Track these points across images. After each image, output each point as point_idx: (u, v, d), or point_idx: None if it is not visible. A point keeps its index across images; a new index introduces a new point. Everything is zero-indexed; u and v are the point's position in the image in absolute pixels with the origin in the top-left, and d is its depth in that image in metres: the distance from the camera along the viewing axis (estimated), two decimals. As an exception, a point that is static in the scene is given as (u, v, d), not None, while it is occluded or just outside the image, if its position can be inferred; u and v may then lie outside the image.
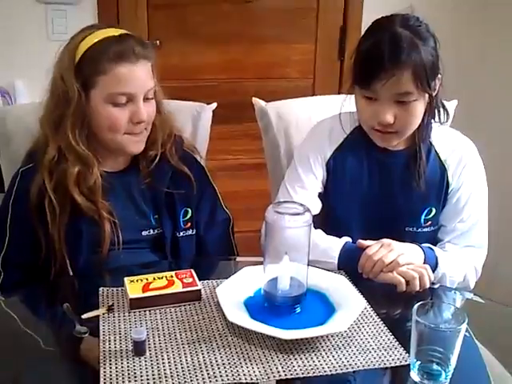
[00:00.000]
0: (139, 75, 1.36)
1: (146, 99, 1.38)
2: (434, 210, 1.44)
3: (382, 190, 1.45)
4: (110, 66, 1.32)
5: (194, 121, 1.69)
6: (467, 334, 1.08)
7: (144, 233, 1.46)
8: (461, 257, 1.41)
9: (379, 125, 1.35)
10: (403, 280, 1.24)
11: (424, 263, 1.30)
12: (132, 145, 1.41)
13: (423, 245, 1.35)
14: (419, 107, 1.34)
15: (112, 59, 1.32)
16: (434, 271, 1.31)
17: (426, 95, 1.34)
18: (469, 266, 1.42)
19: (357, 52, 1.35)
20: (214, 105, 1.71)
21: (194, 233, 1.51)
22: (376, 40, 1.29)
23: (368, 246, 1.30)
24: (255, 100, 1.73)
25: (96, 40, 1.34)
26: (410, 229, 1.45)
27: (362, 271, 1.29)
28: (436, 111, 1.41)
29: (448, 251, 1.41)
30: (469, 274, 1.41)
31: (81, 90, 1.33)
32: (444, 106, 1.43)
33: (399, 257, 1.26)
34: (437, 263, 1.33)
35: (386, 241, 1.30)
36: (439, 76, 1.35)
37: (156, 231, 1.47)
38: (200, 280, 1.23)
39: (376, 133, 1.38)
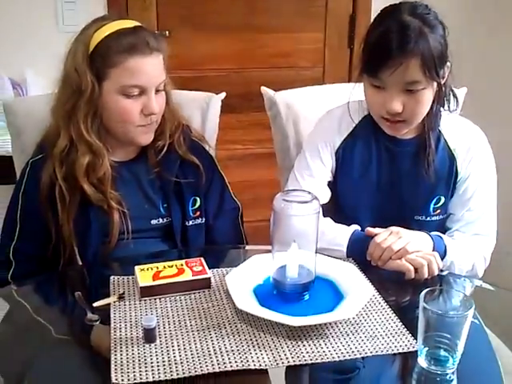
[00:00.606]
0: (152, 68, 1.37)
1: (157, 91, 1.39)
2: (442, 199, 1.44)
3: (390, 179, 1.45)
4: (122, 58, 1.33)
5: (203, 111, 1.69)
6: (476, 320, 1.08)
7: (153, 221, 1.47)
8: (469, 245, 1.41)
9: (388, 113, 1.35)
10: (412, 267, 1.25)
11: (433, 251, 1.30)
12: (141, 136, 1.42)
13: (432, 233, 1.35)
14: (427, 96, 1.33)
15: (125, 51, 1.33)
16: (442, 259, 1.31)
17: (435, 83, 1.33)
18: (477, 254, 1.42)
19: (365, 41, 1.34)
20: (223, 94, 1.71)
21: (203, 221, 1.52)
22: (384, 29, 1.29)
23: (376, 234, 1.30)
24: (264, 89, 1.72)
25: (110, 32, 1.35)
26: (419, 217, 1.44)
27: (371, 259, 1.30)
28: (445, 99, 1.40)
29: (456, 239, 1.40)
30: (477, 262, 1.41)
31: (94, 81, 1.34)
32: (454, 94, 1.42)
33: (408, 244, 1.26)
34: (445, 251, 1.33)
35: (394, 228, 1.30)
36: (448, 64, 1.34)
37: (165, 220, 1.48)
38: (209, 268, 1.24)
39: (385, 122, 1.38)
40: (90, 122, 1.36)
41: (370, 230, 1.33)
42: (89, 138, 1.36)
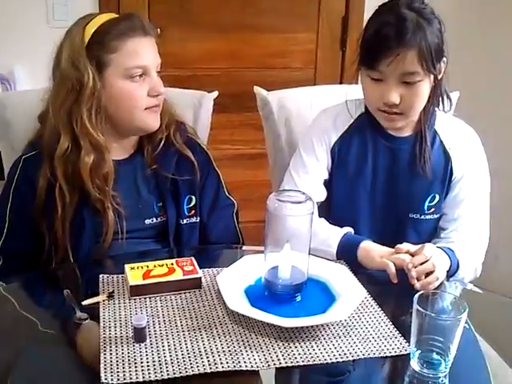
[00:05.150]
0: (150, 48, 1.38)
1: (157, 73, 1.40)
2: (437, 197, 1.44)
3: (386, 176, 1.45)
4: (122, 42, 1.34)
5: (195, 109, 1.68)
6: (466, 325, 1.08)
7: (147, 221, 1.46)
8: (473, 252, 1.40)
9: (385, 105, 1.35)
10: (394, 273, 1.23)
11: (448, 270, 1.29)
12: (151, 120, 1.41)
13: (444, 246, 1.33)
14: (424, 88, 1.34)
15: (123, 34, 1.34)
16: (454, 273, 1.32)
17: (432, 77, 1.34)
18: (478, 258, 1.42)
19: (363, 34, 1.36)
20: (216, 93, 1.70)
21: (197, 221, 1.50)
22: (382, 21, 1.31)
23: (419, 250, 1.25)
24: (257, 89, 1.72)
25: (102, 21, 1.35)
26: (414, 215, 1.44)
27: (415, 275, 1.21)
28: (440, 99, 1.42)
29: (455, 241, 1.39)
30: (478, 267, 1.42)
31: (95, 72, 1.33)
32: (448, 95, 1.43)
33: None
34: (458, 266, 1.33)
35: (428, 245, 1.26)
36: (444, 60, 1.35)
37: (159, 219, 1.46)
38: (201, 268, 1.23)
39: (382, 114, 1.38)
40: (95, 116, 1.34)
41: (404, 248, 1.26)
42: (94, 133, 1.34)
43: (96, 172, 1.35)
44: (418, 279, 1.21)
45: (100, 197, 1.36)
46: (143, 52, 1.36)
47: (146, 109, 1.38)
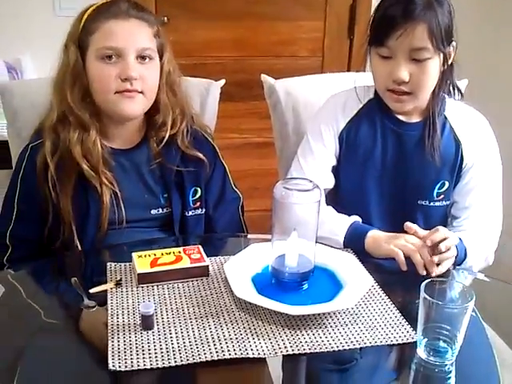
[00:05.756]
0: (128, 31, 1.36)
1: (140, 58, 1.37)
2: (446, 184, 1.44)
3: (395, 161, 1.44)
4: (99, 24, 1.35)
5: (202, 97, 1.67)
6: (473, 313, 1.08)
7: (153, 211, 1.46)
8: (483, 241, 1.40)
9: (394, 83, 1.35)
10: (403, 260, 1.24)
11: (456, 256, 1.28)
12: (123, 105, 1.37)
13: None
14: (434, 67, 1.34)
15: (103, 17, 1.35)
16: (462, 262, 1.31)
17: (441, 56, 1.33)
18: (489, 247, 1.42)
19: (373, 15, 1.36)
20: (223, 81, 1.69)
21: (202, 212, 1.50)
22: (392, 1, 1.32)
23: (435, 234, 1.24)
24: (264, 77, 1.71)
25: (93, 8, 1.38)
26: (423, 202, 1.44)
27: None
28: (450, 85, 1.42)
29: (470, 234, 1.37)
30: (489, 255, 1.41)
31: (77, 52, 1.36)
32: (457, 86, 1.44)
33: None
34: (466, 254, 1.32)
35: (441, 228, 1.26)
36: (454, 44, 1.35)
37: (165, 210, 1.46)
38: (208, 256, 1.23)
39: (391, 94, 1.38)
40: (76, 91, 1.37)
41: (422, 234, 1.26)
42: (74, 107, 1.36)
43: (87, 150, 1.36)
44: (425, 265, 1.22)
45: (94, 175, 1.36)
46: (118, 34, 1.34)
47: (116, 92, 1.36)
